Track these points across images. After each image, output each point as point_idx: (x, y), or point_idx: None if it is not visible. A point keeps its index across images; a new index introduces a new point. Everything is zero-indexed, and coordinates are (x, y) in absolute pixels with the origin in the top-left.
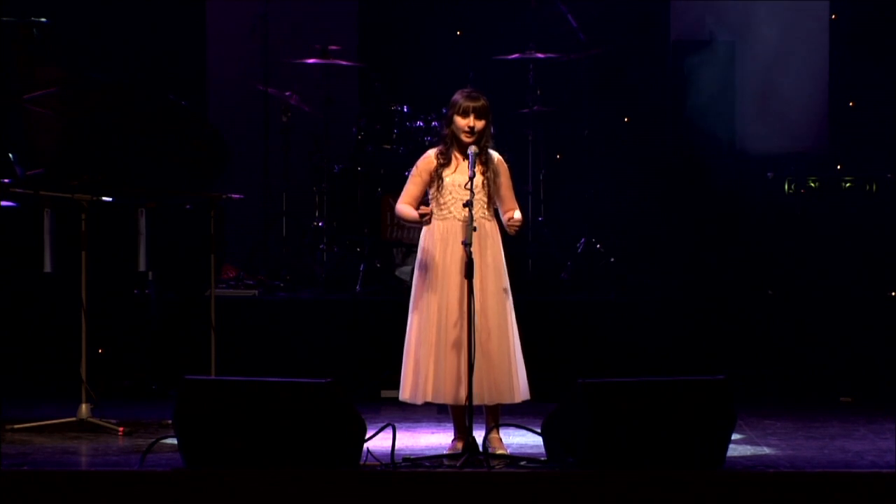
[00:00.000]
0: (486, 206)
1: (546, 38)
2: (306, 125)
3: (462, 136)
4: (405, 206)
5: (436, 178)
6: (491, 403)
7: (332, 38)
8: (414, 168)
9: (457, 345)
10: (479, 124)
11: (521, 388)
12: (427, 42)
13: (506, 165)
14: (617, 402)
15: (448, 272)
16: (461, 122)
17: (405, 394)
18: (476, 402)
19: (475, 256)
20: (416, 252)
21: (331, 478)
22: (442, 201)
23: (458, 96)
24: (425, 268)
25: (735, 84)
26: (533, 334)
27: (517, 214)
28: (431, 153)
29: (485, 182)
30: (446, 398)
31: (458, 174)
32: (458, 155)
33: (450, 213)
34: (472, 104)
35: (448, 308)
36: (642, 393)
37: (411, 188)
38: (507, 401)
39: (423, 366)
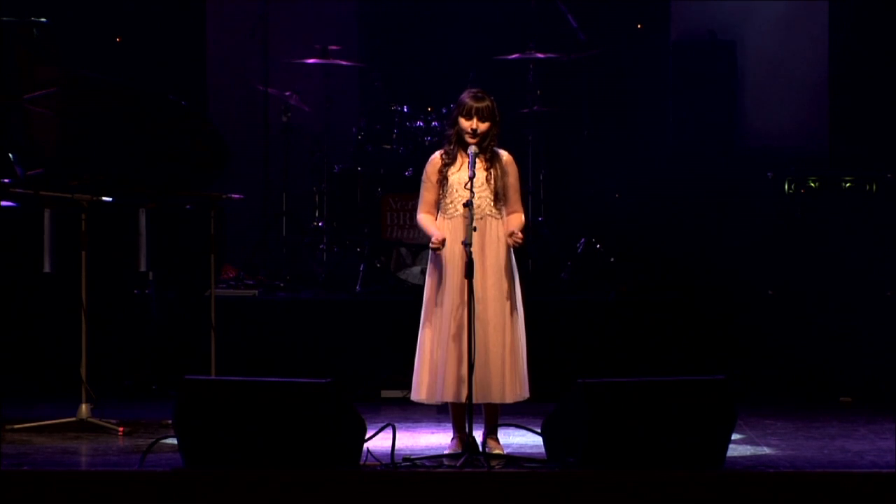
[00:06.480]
0: (491, 204)
1: (546, 38)
2: (306, 125)
3: (465, 138)
4: (425, 217)
5: (442, 177)
6: (481, 402)
7: (332, 38)
8: (423, 174)
9: (457, 343)
10: (483, 126)
11: (514, 389)
12: (427, 42)
13: (515, 166)
14: (617, 402)
15: (454, 270)
16: (464, 123)
17: (420, 395)
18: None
19: (477, 255)
20: (424, 253)
21: (331, 478)
22: (448, 200)
23: (464, 96)
24: (435, 267)
25: (735, 84)
26: (533, 334)
27: (518, 223)
28: (436, 155)
29: (489, 179)
30: (448, 396)
31: (462, 172)
32: (462, 154)
33: (456, 211)
34: (475, 105)
35: (452, 306)
36: (642, 393)
37: (425, 194)
38: (496, 400)
39: (439, 366)
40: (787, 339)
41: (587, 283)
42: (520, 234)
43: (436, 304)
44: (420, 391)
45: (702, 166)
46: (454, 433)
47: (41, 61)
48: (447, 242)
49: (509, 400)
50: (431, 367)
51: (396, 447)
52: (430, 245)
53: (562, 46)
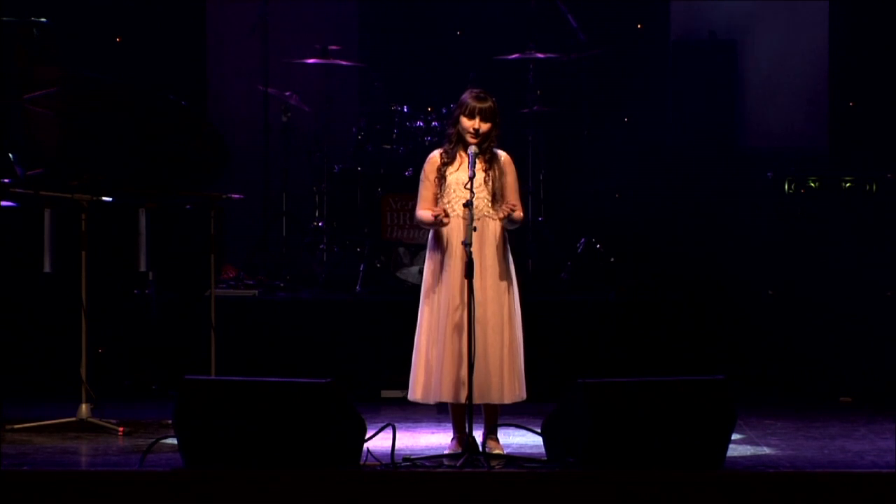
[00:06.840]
0: (489, 205)
1: (546, 38)
2: (306, 125)
3: (466, 137)
4: (422, 212)
5: (440, 176)
6: (480, 403)
7: (332, 38)
8: (422, 173)
9: (455, 343)
10: (485, 126)
11: (513, 390)
12: (427, 42)
13: (513, 166)
14: (617, 402)
15: (452, 270)
16: (466, 122)
17: (416, 394)
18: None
19: (475, 256)
20: (422, 253)
21: (331, 478)
22: (446, 199)
23: (466, 96)
24: (433, 266)
25: (735, 84)
26: (533, 334)
27: (516, 209)
28: (435, 154)
29: (487, 180)
30: (447, 396)
31: (460, 172)
32: (462, 153)
33: (453, 210)
34: (478, 105)
35: (450, 306)
36: (642, 393)
37: (424, 193)
38: (495, 401)
39: (434, 365)
40: (787, 339)
41: (587, 283)
42: (511, 204)
43: (432, 304)
44: (416, 391)
45: (702, 166)
46: (454, 433)
47: (41, 61)
48: (443, 243)
49: (507, 400)
50: (427, 366)
51: (396, 447)
52: (435, 216)
53: (562, 46)
